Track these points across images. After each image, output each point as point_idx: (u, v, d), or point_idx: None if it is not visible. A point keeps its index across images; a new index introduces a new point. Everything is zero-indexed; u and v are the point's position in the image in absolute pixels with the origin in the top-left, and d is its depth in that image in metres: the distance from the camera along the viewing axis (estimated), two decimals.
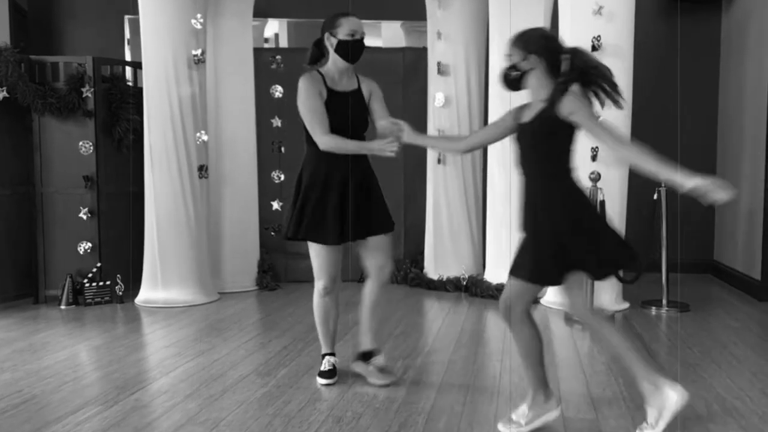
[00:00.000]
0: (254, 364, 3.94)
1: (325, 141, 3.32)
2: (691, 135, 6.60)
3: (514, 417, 2.96)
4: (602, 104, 2.79)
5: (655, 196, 5.30)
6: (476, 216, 6.24)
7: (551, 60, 2.78)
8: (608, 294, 5.17)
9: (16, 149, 5.65)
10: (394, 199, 6.23)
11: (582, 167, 4.77)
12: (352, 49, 3.37)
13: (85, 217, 5.62)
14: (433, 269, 6.23)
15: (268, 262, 6.31)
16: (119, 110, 5.75)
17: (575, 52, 2.79)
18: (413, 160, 6.32)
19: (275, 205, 6.29)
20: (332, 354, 3.64)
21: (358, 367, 3.63)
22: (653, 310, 5.25)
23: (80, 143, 5.62)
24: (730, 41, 6.61)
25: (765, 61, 5.70)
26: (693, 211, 6.01)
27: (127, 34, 7.03)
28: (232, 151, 6.04)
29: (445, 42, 6.09)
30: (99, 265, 5.66)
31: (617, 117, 4.95)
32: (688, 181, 2.48)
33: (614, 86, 2.74)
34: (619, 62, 4.98)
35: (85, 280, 5.57)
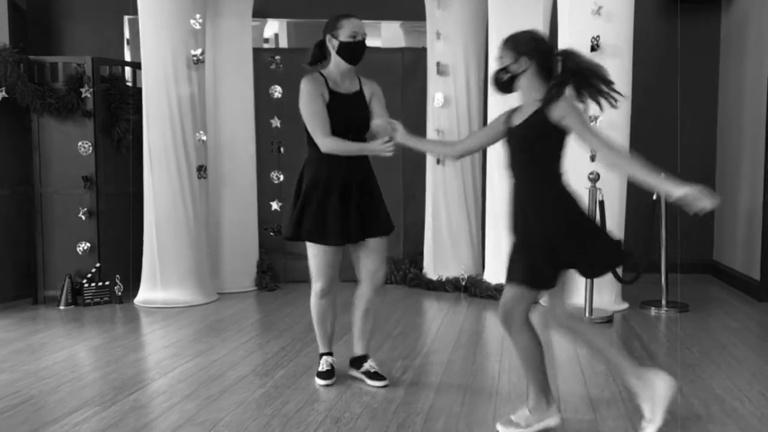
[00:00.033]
0: (253, 364, 3.94)
1: (327, 143, 3.31)
2: (690, 135, 6.60)
3: (513, 418, 2.95)
4: (600, 106, 2.77)
5: (655, 197, 5.29)
6: (475, 216, 6.24)
7: (542, 62, 2.76)
8: (608, 294, 5.17)
9: (15, 149, 5.64)
10: (393, 199, 6.23)
11: (581, 168, 4.80)
12: (353, 51, 3.36)
13: (84, 218, 5.62)
14: (432, 269, 6.22)
15: (267, 262, 6.30)
16: (118, 110, 5.74)
17: (567, 54, 2.77)
18: (412, 161, 6.31)
19: (274, 205, 6.28)
20: (330, 354, 3.64)
21: (352, 372, 3.65)
22: (653, 311, 5.24)
23: (79, 143, 5.61)
24: (729, 41, 6.60)
25: (764, 60, 5.69)
26: None
27: (127, 35, 7.03)
28: (231, 152, 6.03)
29: (444, 42, 6.09)
30: (98, 265, 5.66)
31: (617, 117, 4.96)
32: (676, 190, 2.49)
33: (610, 83, 2.72)
34: (618, 62, 4.98)
35: (84, 281, 5.57)
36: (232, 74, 6.01)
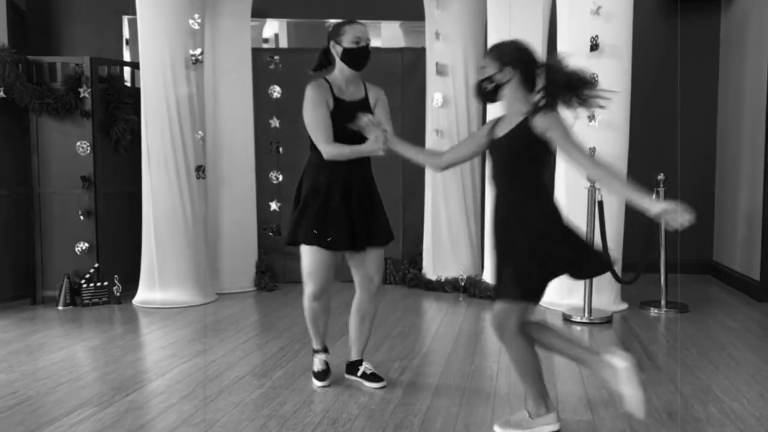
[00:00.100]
0: (251, 365, 3.93)
1: (329, 150, 3.31)
2: (690, 135, 6.59)
3: (512, 419, 2.95)
4: (592, 113, 2.76)
5: (654, 197, 5.28)
6: (474, 217, 6.23)
7: (526, 72, 2.76)
8: (607, 295, 5.16)
9: (13, 150, 5.63)
10: (393, 199, 6.25)
11: (580, 168, 4.79)
12: (357, 57, 3.34)
13: (82, 218, 5.61)
14: (431, 270, 6.22)
15: (266, 262, 6.30)
16: (117, 110, 5.73)
17: (550, 67, 2.75)
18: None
19: (273, 205, 6.28)
20: (323, 351, 3.62)
21: (349, 377, 3.65)
22: (652, 311, 5.23)
23: (78, 144, 5.61)
24: (729, 41, 6.60)
25: (764, 60, 5.68)
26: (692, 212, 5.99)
27: (125, 35, 7.02)
28: (230, 152, 6.03)
29: (443, 42, 6.08)
30: (96, 265, 5.65)
31: (617, 117, 4.95)
32: (654, 207, 2.51)
33: (593, 86, 2.71)
34: (617, 62, 4.98)
35: (83, 281, 5.56)
36: (231, 74, 6.00)
